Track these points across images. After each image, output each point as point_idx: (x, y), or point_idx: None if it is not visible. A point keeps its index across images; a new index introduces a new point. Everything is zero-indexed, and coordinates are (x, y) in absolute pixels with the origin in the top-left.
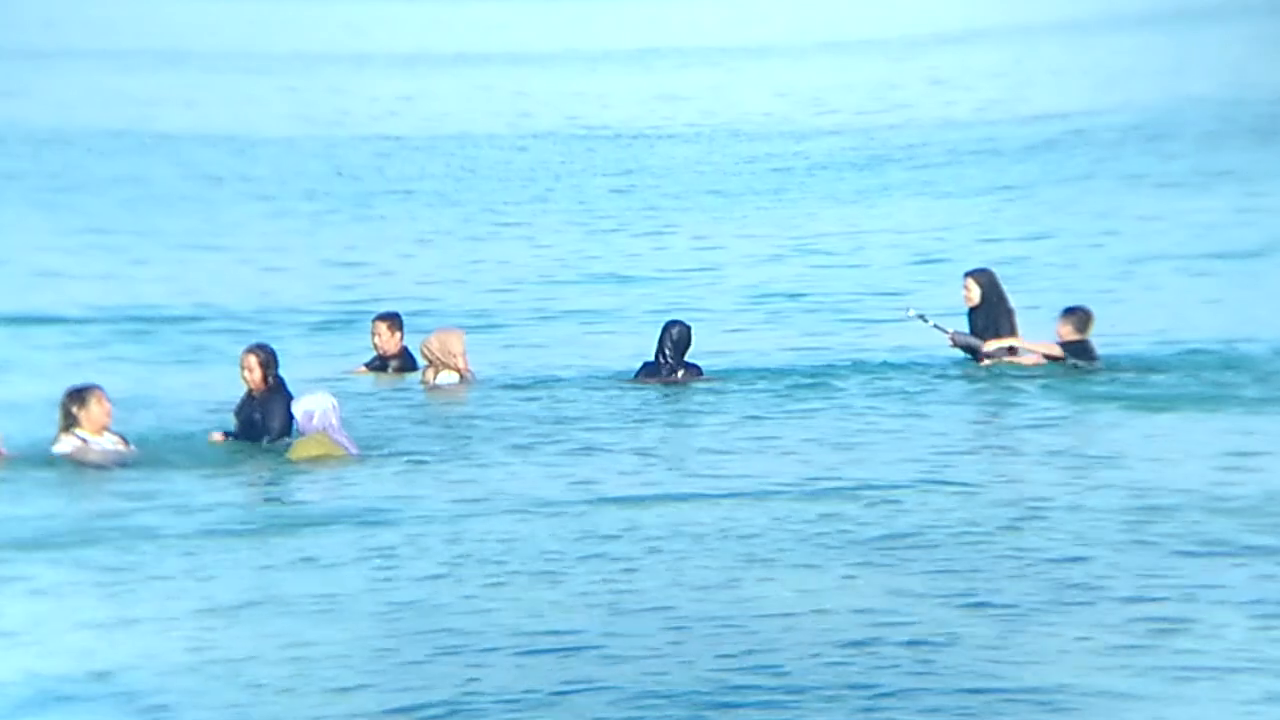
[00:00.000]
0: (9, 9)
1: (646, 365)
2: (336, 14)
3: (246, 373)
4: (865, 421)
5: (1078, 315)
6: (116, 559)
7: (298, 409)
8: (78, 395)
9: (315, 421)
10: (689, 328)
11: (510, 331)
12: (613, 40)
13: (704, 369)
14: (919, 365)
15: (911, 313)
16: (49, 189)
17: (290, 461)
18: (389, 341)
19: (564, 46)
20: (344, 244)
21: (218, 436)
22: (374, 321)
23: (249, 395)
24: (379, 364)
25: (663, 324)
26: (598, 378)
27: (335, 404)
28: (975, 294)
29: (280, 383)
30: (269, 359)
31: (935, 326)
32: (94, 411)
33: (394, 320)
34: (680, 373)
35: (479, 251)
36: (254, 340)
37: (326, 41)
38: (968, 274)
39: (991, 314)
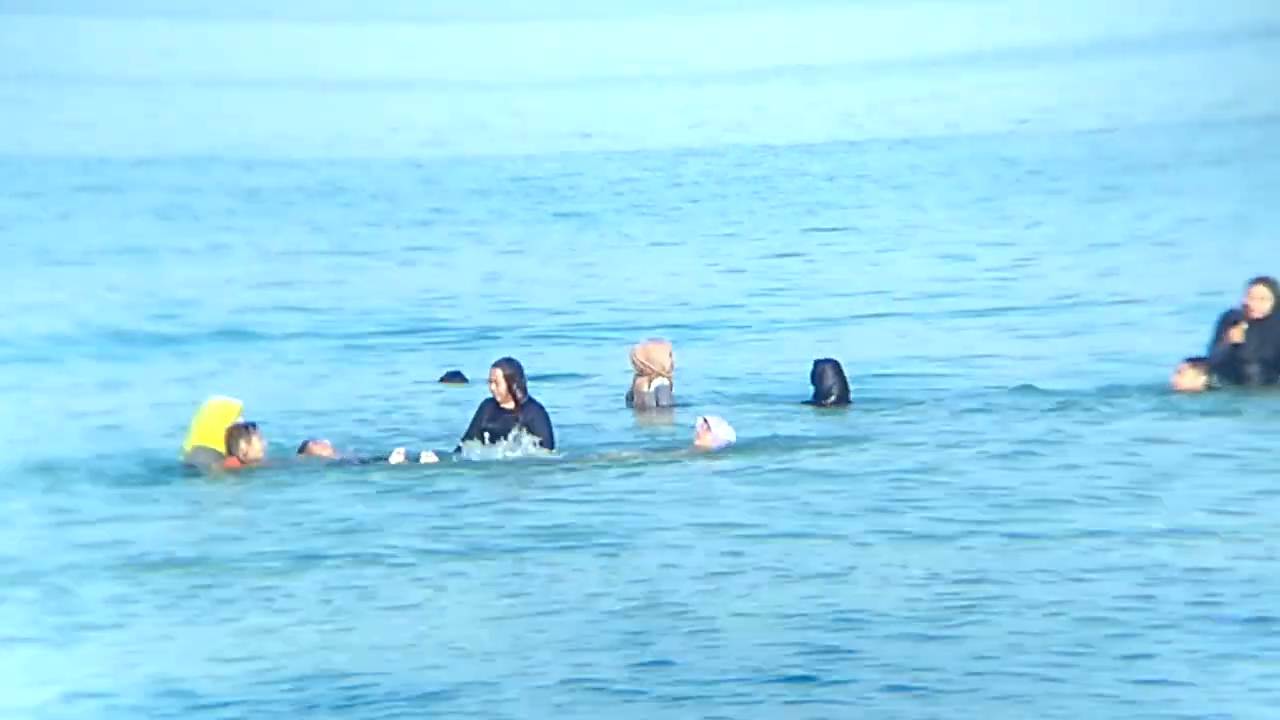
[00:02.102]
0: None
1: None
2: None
3: (493, 386)
4: None
5: None
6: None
7: (715, 426)
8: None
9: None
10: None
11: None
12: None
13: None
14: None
15: None
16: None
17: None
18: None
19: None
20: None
21: (399, 456)
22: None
23: (495, 407)
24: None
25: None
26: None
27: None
28: (1267, 304)
29: (531, 396)
30: (515, 373)
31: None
32: (255, 447)
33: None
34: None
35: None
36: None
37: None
38: (1258, 280)
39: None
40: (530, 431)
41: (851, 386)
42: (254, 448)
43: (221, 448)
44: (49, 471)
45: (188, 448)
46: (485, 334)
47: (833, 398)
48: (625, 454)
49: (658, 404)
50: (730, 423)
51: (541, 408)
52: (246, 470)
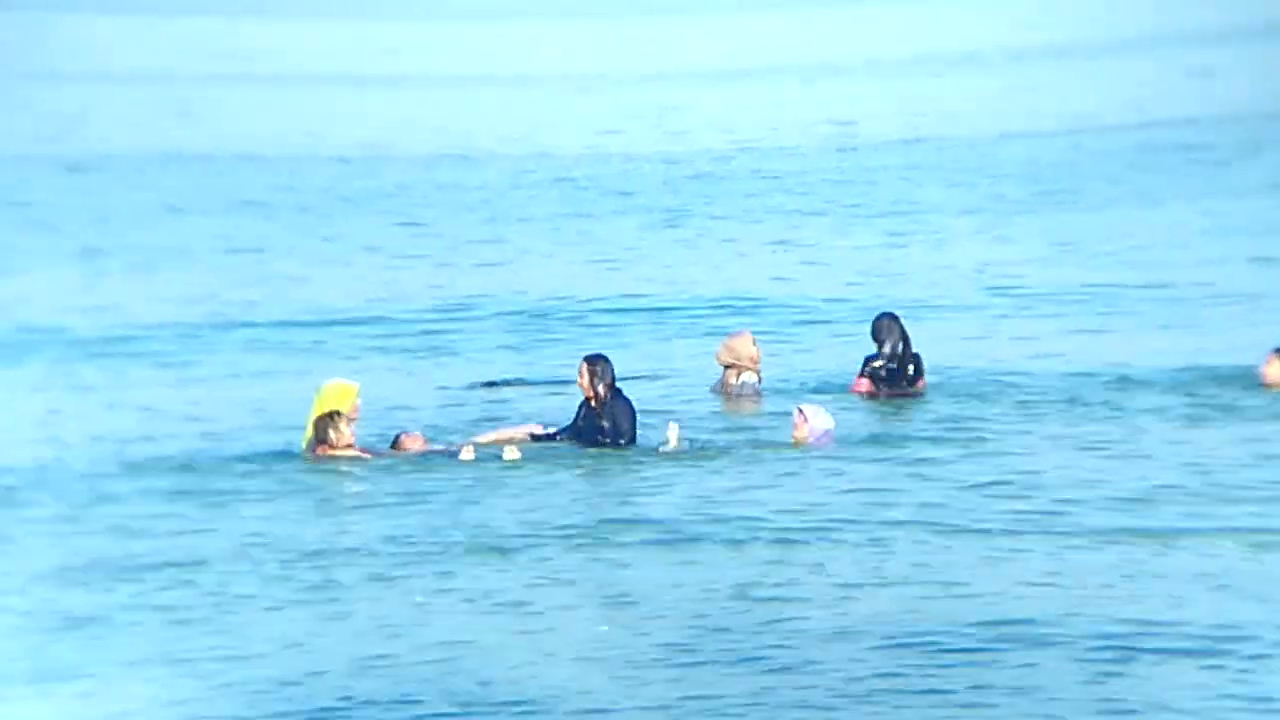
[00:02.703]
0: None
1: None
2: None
3: (580, 380)
4: None
5: None
6: None
7: (812, 416)
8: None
9: (825, 440)
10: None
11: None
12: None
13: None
14: None
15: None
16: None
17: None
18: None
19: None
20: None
21: (469, 453)
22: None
23: (586, 404)
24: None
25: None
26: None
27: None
28: None
29: (618, 390)
30: (603, 369)
31: None
32: (344, 435)
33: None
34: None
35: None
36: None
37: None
38: None
39: None
40: (613, 424)
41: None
42: (343, 436)
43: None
44: (193, 462)
45: (309, 431)
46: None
47: (887, 350)
48: (726, 448)
49: (746, 396)
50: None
51: (626, 402)
52: (331, 459)
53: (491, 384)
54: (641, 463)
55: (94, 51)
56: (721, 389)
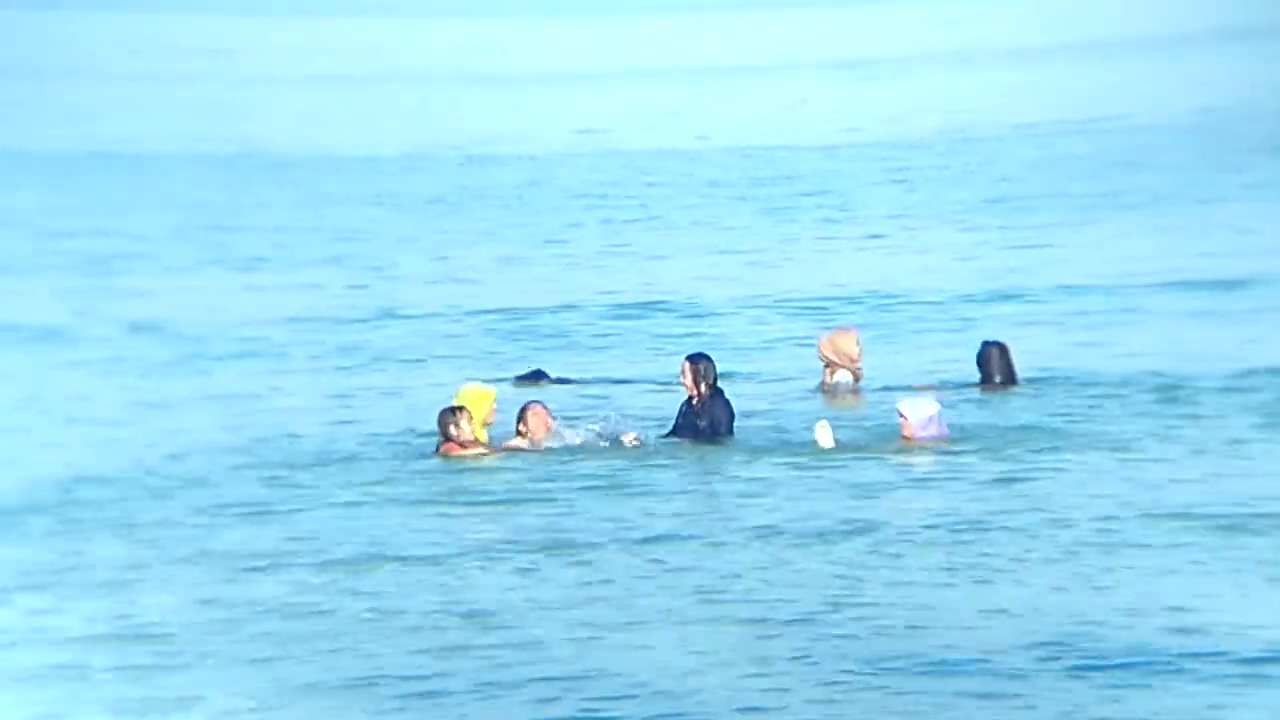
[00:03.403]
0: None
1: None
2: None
3: (682, 378)
4: None
5: None
6: None
7: (911, 412)
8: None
9: (934, 428)
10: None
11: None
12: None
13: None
14: None
15: None
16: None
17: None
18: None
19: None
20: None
21: (630, 438)
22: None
23: (688, 402)
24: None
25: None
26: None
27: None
28: None
29: (719, 389)
30: (705, 368)
31: None
32: (465, 431)
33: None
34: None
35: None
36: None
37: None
38: None
39: None
40: (710, 423)
41: (1018, 370)
42: (464, 432)
43: (479, 431)
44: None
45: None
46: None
47: (998, 380)
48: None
49: (844, 395)
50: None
51: (725, 401)
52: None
53: (537, 376)
54: (757, 460)
55: (271, 54)
56: (820, 386)
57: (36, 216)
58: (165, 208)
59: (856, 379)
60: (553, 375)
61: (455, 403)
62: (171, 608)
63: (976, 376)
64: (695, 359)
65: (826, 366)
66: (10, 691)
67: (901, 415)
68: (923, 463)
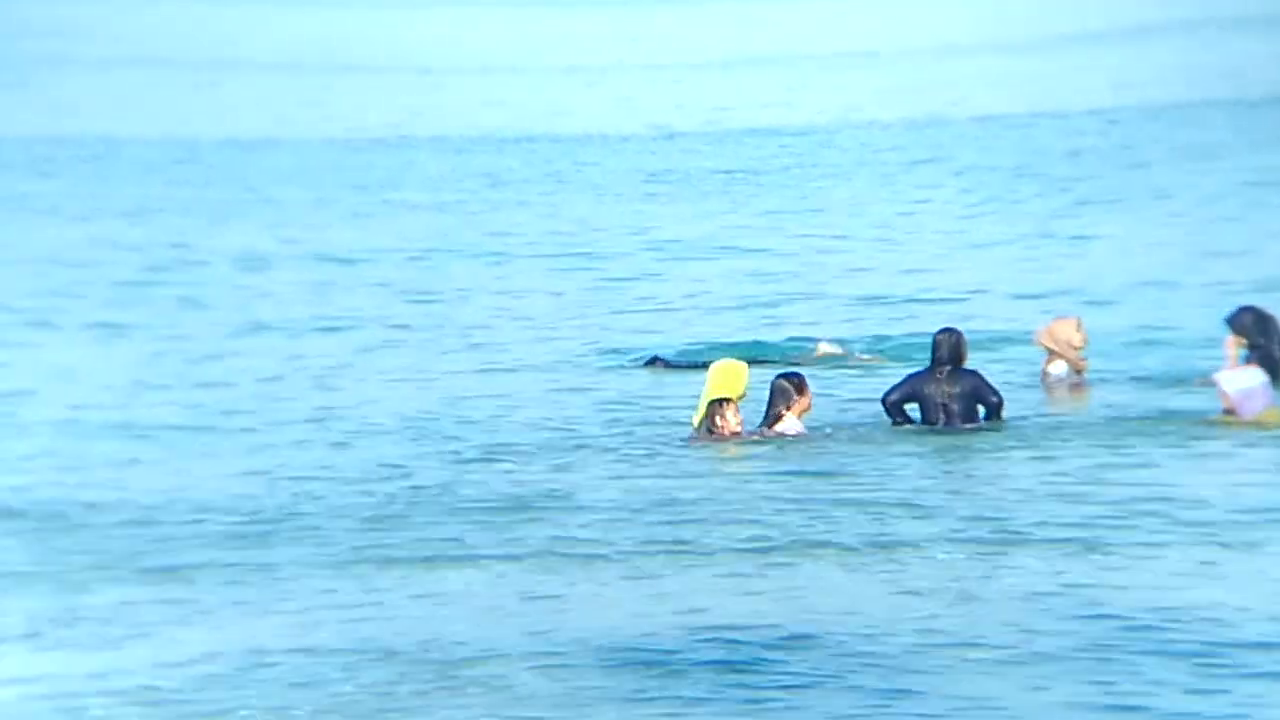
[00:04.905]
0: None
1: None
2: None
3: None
4: None
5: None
6: None
7: (1230, 387)
8: (720, 404)
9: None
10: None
11: None
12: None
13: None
14: None
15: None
16: None
17: None
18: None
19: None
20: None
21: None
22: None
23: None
24: None
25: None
26: None
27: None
28: None
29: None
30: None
31: None
32: (731, 421)
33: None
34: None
35: None
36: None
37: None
38: None
39: None
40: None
41: None
42: (730, 422)
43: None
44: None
45: (699, 413)
46: None
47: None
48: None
49: (1058, 386)
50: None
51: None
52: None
53: (659, 361)
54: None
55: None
56: (1041, 376)
57: None
58: None
59: (1079, 370)
60: (664, 358)
61: (710, 378)
62: None
63: None
64: (947, 331)
65: (1048, 355)
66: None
67: (1221, 389)
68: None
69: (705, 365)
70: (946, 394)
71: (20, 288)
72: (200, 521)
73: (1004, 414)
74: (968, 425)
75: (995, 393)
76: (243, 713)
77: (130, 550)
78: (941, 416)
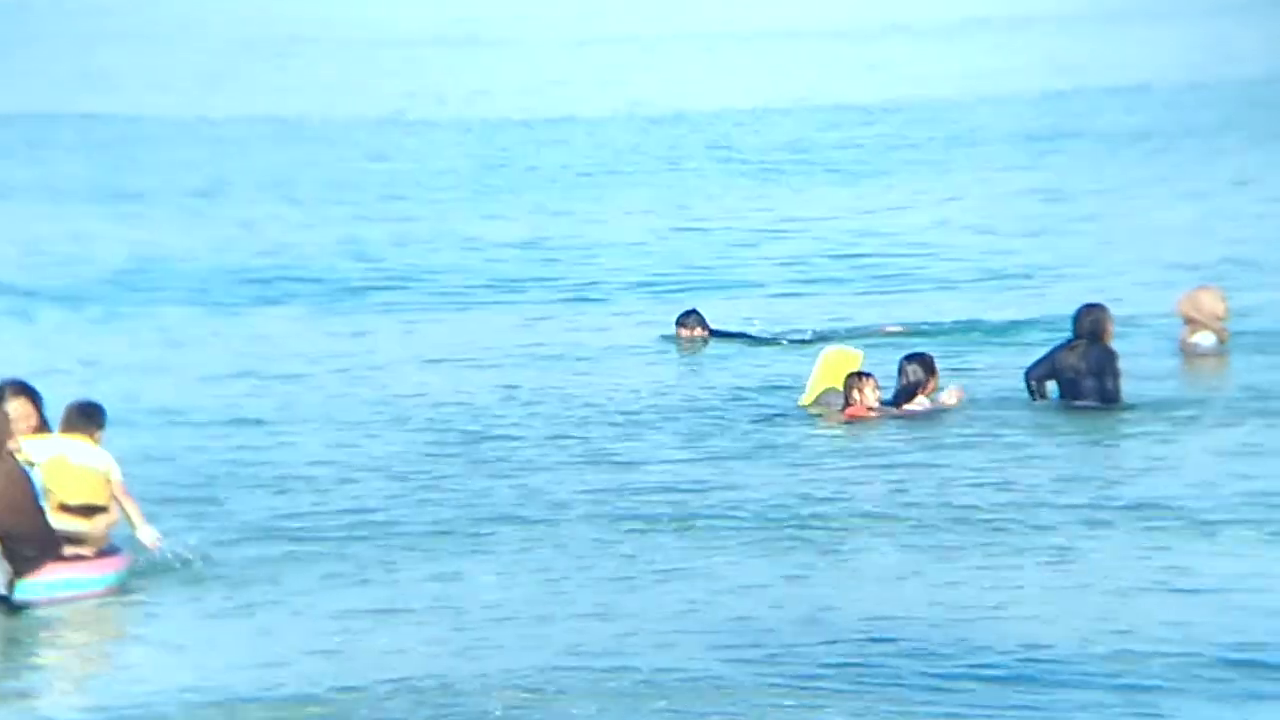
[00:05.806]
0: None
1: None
2: None
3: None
4: None
5: None
6: None
7: None
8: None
9: None
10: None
11: None
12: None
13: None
14: None
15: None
16: None
17: None
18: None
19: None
20: None
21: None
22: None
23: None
24: None
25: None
26: None
27: None
28: None
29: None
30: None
31: None
32: (868, 397)
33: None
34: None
35: None
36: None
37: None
38: None
39: None
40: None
41: None
42: (866, 398)
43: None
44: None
45: (810, 396)
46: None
47: None
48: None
49: (1201, 356)
50: None
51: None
52: (861, 421)
53: (723, 333)
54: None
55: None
56: (1180, 345)
57: None
58: None
59: (1221, 339)
60: (714, 327)
61: (823, 364)
62: None
63: None
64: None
65: (1188, 324)
66: None
67: None
68: None
69: (749, 337)
70: (1074, 369)
71: None
72: None
73: (1120, 399)
74: (1077, 402)
75: (1115, 377)
76: None
77: None
78: (1068, 391)
